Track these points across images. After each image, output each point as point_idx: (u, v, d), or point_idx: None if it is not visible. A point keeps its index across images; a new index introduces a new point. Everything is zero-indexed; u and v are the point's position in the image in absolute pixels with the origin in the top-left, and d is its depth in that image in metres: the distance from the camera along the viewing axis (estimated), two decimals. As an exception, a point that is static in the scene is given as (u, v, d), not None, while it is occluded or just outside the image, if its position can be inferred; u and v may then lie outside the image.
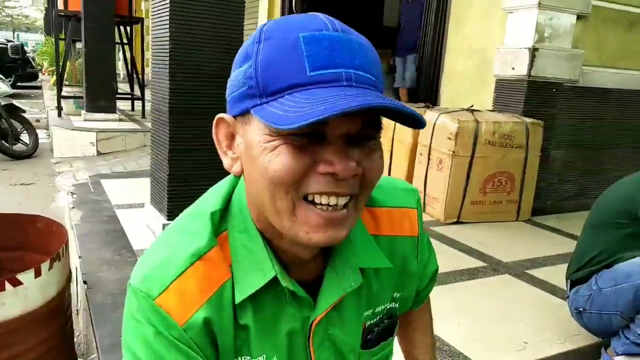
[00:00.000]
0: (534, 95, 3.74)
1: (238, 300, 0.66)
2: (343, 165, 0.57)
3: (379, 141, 0.63)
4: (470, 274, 2.61)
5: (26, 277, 1.62)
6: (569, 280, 1.98)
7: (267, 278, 0.66)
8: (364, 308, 0.77)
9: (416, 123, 0.59)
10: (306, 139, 0.57)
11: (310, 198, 0.59)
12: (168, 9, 2.44)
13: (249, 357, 0.69)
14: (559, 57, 3.74)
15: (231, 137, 0.66)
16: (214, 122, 0.67)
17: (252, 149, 0.60)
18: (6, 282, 1.57)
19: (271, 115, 0.56)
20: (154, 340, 0.64)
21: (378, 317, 0.79)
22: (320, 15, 0.61)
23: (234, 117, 0.64)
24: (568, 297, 1.97)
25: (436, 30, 4.68)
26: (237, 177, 0.70)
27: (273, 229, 0.65)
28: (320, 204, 0.59)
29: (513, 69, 3.76)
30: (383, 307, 0.80)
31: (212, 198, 0.71)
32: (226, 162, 0.67)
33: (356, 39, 0.59)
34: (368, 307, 0.77)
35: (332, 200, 0.59)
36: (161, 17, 2.55)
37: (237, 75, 0.62)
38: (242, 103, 0.61)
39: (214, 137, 0.67)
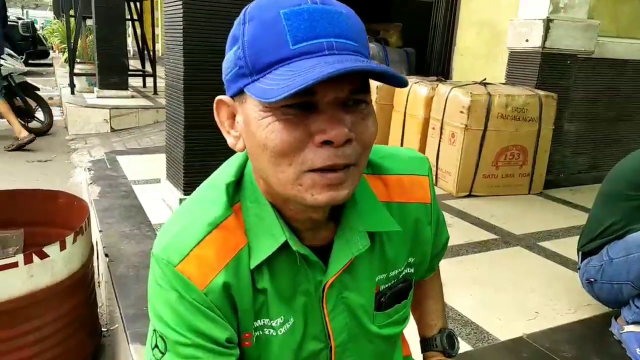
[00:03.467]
0: (548, 68, 3.70)
1: (253, 265, 0.70)
2: (336, 132, 0.59)
3: (370, 106, 0.65)
4: (482, 246, 2.64)
5: (52, 250, 1.68)
6: (580, 252, 2.00)
7: (278, 243, 0.70)
8: (377, 272, 0.79)
9: (399, 82, 0.61)
10: (298, 111, 0.60)
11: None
12: (181, -15, 2.44)
13: (267, 319, 0.74)
14: (574, 28, 3.68)
15: (232, 116, 0.69)
16: (214, 104, 0.70)
17: (250, 126, 0.63)
18: (34, 255, 1.63)
19: (259, 90, 0.59)
20: (178, 303, 0.68)
21: (392, 282, 0.82)
22: None
23: (232, 97, 0.67)
24: (579, 268, 2.00)
25: (448, 4, 4.62)
26: None
27: (281, 198, 0.69)
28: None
29: (527, 41, 3.71)
30: (398, 271, 0.82)
31: (226, 170, 0.76)
32: (230, 140, 0.70)
33: (335, 9, 0.61)
34: (381, 271, 0.80)
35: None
36: (174, -7, 2.56)
37: (229, 57, 0.65)
38: (236, 83, 0.64)
39: (216, 118, 0.71)
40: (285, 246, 0.70)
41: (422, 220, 0.84)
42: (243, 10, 0.65)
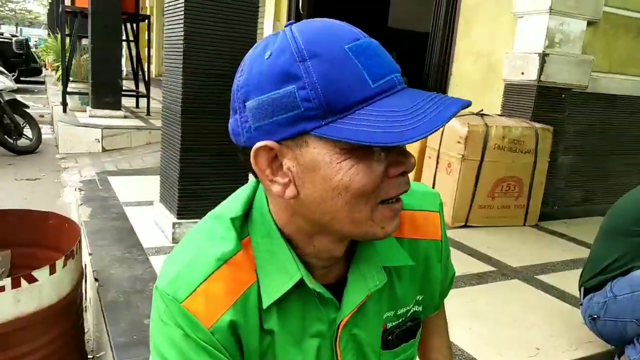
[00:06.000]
0: (543, 101, 3.74)
1: (266, 304, 0.66)
2: (411, 161, 0.62)
3: None
4: (479, 278, 2.61)
5: (41, 274, 1.62)
6: (582, 288, 1.97)
7: (293, 281, 0.66)
8: (385, 309, 0.77)
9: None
10: (376, 149, 0.60)
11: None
12: (183, 8, 2.43)
13: None
14: (569, 63, 3.73)
15: (273, 162, 0.62)
16: (252, 154, 0.62)
17: (320, 170, 0.59)
18: (22, 279, 1.56)
19: (357, 133, 0.55)
20: (182, 342, 0.64)
21: (400, 320, 0.79)
22: (341, 23, 0.62)
23: (277, 142, 0.61)
24: (582, 304, 1.97)
25: (444, 35, 4.68)
26: (258, 183, 0.71)
27: (303, 234, 0.66)
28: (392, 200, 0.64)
29: (522, 73, 3.76)
30: (406, 309, 0.80)
31: (233, 203, 0.72)
32: (276, 188, 0.63)
33: (377, 42, 0.62)
34: (389, 308, 0.78)
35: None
36: (175, 15, 2.55)
37: (277, 97, 0.58)
38: (295, 126, 0.58)
39: (254, 167, 0.63)
40: (298, 284, 0.67)
41: (432, 257, 0.81)
42: (292, 47, 0.58)
